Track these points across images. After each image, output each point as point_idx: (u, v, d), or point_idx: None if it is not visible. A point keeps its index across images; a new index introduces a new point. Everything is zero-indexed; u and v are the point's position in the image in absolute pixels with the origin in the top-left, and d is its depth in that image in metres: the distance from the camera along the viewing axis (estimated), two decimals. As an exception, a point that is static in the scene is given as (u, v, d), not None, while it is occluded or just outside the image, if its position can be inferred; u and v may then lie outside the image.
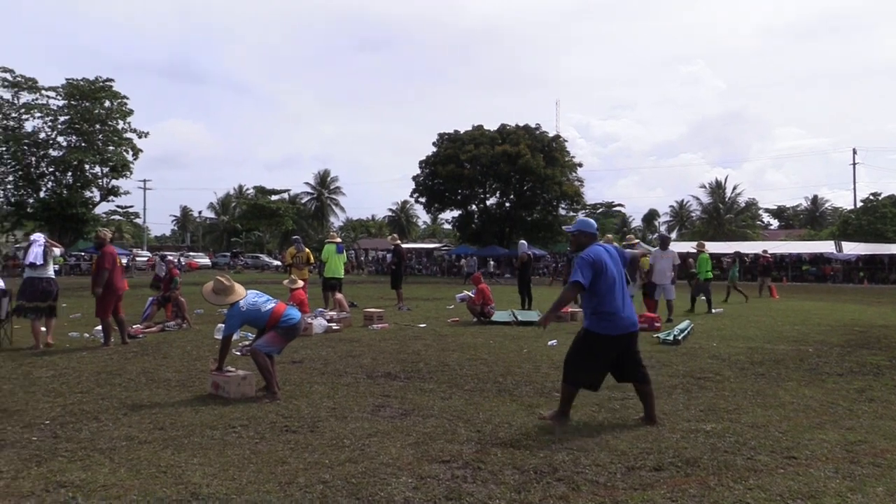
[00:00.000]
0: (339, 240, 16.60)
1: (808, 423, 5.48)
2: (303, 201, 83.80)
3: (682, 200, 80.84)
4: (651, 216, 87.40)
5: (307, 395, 6.46)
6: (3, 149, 36.44)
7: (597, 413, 5.77)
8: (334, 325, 11.88)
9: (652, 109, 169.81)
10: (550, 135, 52.33)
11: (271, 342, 6.50)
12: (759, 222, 77.26)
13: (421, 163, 52.97)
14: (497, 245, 51.52)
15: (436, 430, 5.17)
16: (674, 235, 72.12)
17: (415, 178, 53.20)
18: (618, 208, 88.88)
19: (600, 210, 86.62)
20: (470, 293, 14.15)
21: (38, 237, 10.19)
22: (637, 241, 14.46)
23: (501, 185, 51.77)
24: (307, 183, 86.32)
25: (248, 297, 6.63)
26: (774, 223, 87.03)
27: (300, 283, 13.13)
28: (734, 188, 71.37)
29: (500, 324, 12.76)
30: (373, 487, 3.91)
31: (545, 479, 4.07)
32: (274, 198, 68.90)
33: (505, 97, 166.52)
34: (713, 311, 16.18)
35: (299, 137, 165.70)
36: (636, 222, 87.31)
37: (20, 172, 37.32)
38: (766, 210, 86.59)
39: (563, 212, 53.86)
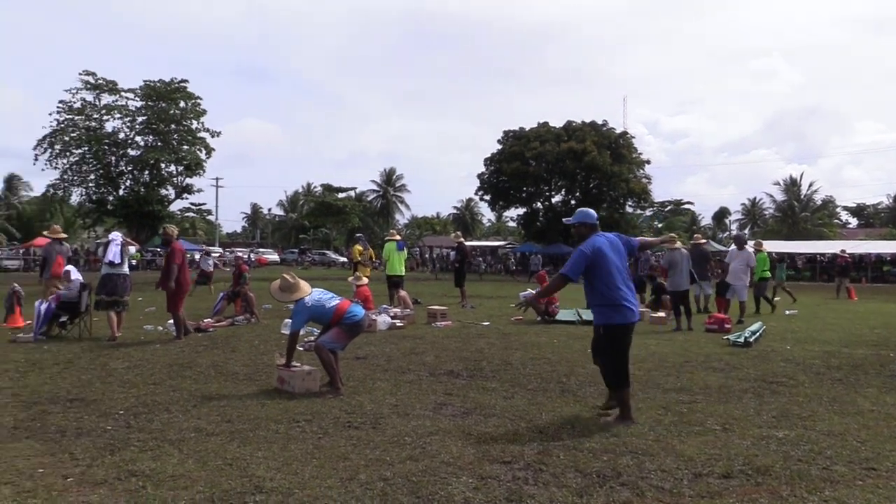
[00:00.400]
0: (399, 237, 16.73)
1: (890, 432, 5.21)
2: (369, 199, 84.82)
3: (755, 198, 78.14)
4: (722, 214, 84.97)
5: (370, 392, 6.52)
6: (86, 149, 38.22)
7: (663, 416, 5.62)
8: (398, 322, 11.96)
9: (723, 104, 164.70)
10: (617, 131, 51.54)
11: (335, 338, 6.58)
12: (836, 221, 74.20)
13: (486, 160, 52.86)
14: (562, 243, 50.99)
15: (497, 430, 5.14)
16: (745, 233, 69.83)
17: (480, 176, 53.15)
18: (687, 206, 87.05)
19: (668, 208, 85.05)
20: (534, 291, 14.04)
21: (116, 236, 10.63)
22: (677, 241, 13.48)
23: (567, 182, 51.19)
24: (373, 181, 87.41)
25: (313, 293, 6.75)
26: (853, 222, 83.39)
27: (365, 280, 13.28)
28: (810, 185, 68.99)
29: (564, 323, 12.62)
30: (433, 486, 3.90)
31: (608, 484, 3.98)
32: (340, 195, 70.06)
33: (571, 94, 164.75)
34: (787, 312, 15.63)
35: (366, 135, 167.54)
36: (706, 220, 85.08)
37: (101, 171, 39.10)
38: (845, 208, 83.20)
39: (630, 209, 53.01)
